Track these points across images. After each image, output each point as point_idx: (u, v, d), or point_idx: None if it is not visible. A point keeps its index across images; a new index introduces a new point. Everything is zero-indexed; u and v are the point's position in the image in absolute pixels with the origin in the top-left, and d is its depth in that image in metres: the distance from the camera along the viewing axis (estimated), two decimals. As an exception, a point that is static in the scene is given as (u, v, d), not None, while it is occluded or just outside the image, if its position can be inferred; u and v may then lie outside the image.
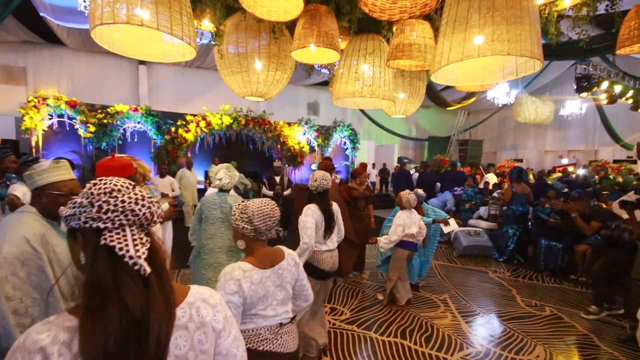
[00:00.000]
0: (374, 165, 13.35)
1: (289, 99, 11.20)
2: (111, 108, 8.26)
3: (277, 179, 5.95)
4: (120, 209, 0.63)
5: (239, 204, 1.38)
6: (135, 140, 8.77)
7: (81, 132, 7.98)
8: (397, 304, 3.66)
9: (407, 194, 3.62)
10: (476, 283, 4.50)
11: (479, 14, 2.15)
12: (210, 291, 0.80)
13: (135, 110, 8.45)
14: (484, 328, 3.28)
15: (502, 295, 4.10)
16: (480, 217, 6.94)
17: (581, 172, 9.82)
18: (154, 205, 0.68)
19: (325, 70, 7.39)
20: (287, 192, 5.87)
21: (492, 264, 5.35)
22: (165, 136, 8.66)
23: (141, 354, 0.60)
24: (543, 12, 3.19)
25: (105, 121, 8.17)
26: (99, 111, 8.16)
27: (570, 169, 12.15)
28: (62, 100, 7.55)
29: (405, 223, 3.51)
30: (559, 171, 10.52)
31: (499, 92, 10.25)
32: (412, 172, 11.12)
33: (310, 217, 2.36)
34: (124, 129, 8.61)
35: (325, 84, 10.32)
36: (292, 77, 4.02)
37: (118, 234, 0.62)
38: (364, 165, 4.88)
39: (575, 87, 9.30)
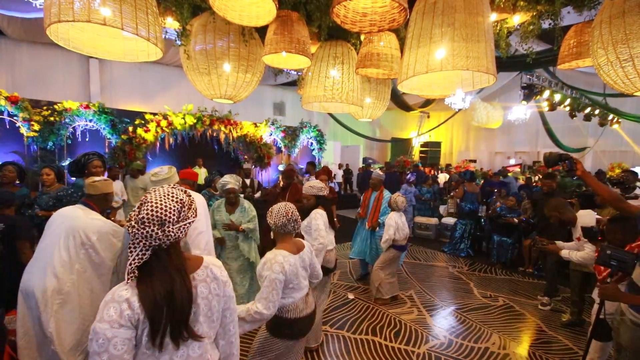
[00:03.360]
0: (340, 166, 13.58)
1: (254, 99, 11.01)
2: (59, 105, 7.58)
3: (247, 181, 5.86)
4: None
5: (270, 209, 1.81)
6: (87, 139, 8.12)
7: (24, 130, 7.24)
8: (382, 297, 3.84)
9: (397, 197, 3.84)
10: (438, 278, 4.79)
11: (441, 30, 2.32)
12: (216, 260, 1.19)
13: (87, 107, 7.84)
14: (446, 320, 3.52)
15: (461, 289, 4.41)
16: (440, 215, 7.46)
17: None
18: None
19: (293, 72, 7.40)
20: (257, 195, 5.80)
21: (451, 259, 5.72)
22: (122, 136, 8.13)
23: (175, 306, 0.95)
24: (495, 29, 3.49)
25: (52, 119, 7.47)
26: (45, 108, 7.45)
27: (517, 169, 13.27)
28: (1, 96, 6.80)
29: (398, 224, 3.72)
30: (509, 171, 11.44)
31: (455, 98, 10.93)
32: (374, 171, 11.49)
33: (320, 219, 2.70)
34: (74, 128, 7.95)
35: (292, 84, 10.31)
36: (258, 77, 3.99)
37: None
38: (324, 169, 4.97)
39: (520, 95, 10.19)
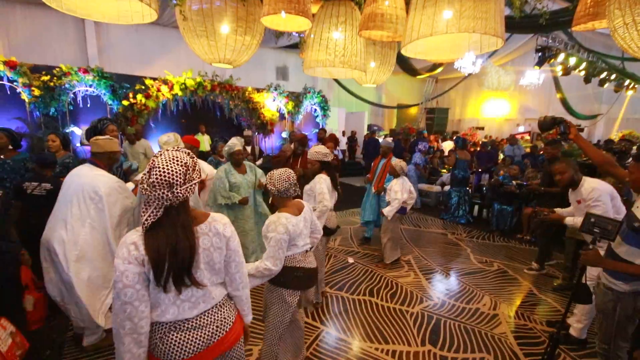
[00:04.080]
0: (343, 133, 13.43)
1: (256, 63, 10.68)
2: (57, 69, 7.45)
3: (249, 148, 5.87)
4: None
5: (268, 174, 1.91)
6: (89, 105, 8.07)
7: (25, 96, 7.20)
8: (384, 262, 4.01)
9: (398, 162, 3.90)
10: (437, 244, 4.92)
11: (448, -14, 2.18)
12: (223, 217, 1.29)
13: (85, 72, 7.70)
14: (441, 283, 3.68)
15: (458, 254, 4.54)
16: (443, 183, 7.48)
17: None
18: None
19: (295, 34, 7.10)
20: (259, 162, 5.83)
21: (451, 226, 5.83)
22: (123, 101, 8.05)
23: (177, 259, 1.09)
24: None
25: (52, 84, 7.39)
26: (44, 73, 7.34)
27: (527, 137, 13.01)
28: (-2, 60, 6.68)
29: (400, 190, 3.79)
30: (518, 139, 11.22)
31: (465, 61, 10.47)
32: (380, 139, 11.37)
33: (324, 184, 2.86)
34: (75, 93, 7.87)
35: (294, 46, 9.90)
36: (259, 40, 3.86)
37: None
38: (331, 137, 4.96)
39: (535, 58, 9.72)
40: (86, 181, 2.24)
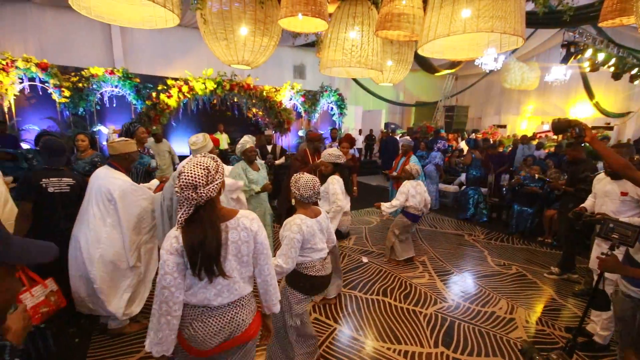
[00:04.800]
0: (360, 132, 13.37)
1: (274, 62, 10.80)
2: (85, 71, 7.80)
3: (269, 147, 5.97)
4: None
5: (294, 176, 1.99)
6: (114, 105, 8.42)
7: (55, 96, 7.58)
8: (396, 258, 4.03)
9: (414, 166, 3.91)
10: (453, 246, 4.86)
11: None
12: (251, 213, 1.43)
13: (112, 73, 8.03)
14: (457, 285, 3.64)
15: (475, 256, 4.47)
16: (461, 183, 7.34)
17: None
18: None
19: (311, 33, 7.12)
20: (279, 161, 5.92)
21: (468, 227, 5.73)
22: (146, 102, 8.34)
23: (204, 252, 1.22)
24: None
25: (80, 85, 7.75)
26: (73, 74, 7.71)
27: (552, 135, 12.53)
28: (32, 63, 7.06)
29: (410, 192, 3.78)
30: (539, 138, 10.87)
31: (487, 58, 10.20)
32: (398, 137, 11.25)
33: (337, 185, 2.91)
34: (101, 94, 8.22)
35: (312, 45, 9.93)
36: (276, 39, 3.92)
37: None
38: (347, 137, 4.97)
39: (561, 53, 9.35)
40: (102, 183, 2.35)
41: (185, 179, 1.21)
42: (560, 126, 2.17)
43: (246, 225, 1.35)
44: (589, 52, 8.99)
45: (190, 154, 2.86)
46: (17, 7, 7.90)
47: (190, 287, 1.29)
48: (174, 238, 1.24)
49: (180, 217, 1.24)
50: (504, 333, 2.79)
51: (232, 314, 1.34)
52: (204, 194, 1.22)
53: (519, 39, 2.43)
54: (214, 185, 1.25)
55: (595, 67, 9.38)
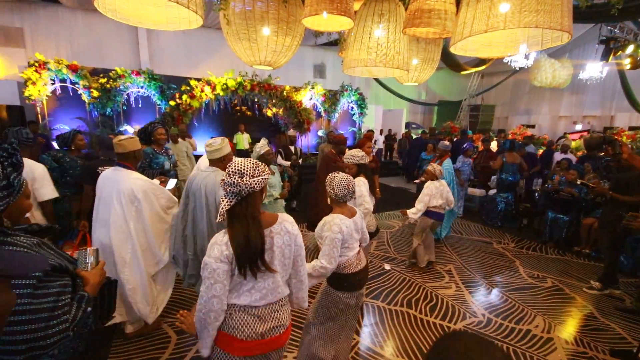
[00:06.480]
0: (381, 132, 13.12)
1: (295, 61, 10.64)
2: (113, 72, 8.04)
3: (292, 148, 5.92)
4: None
5: (329, 176, 1.99)
6: (140, 105, 8.63)
7: (85, 97, 7.85)
8: (418, 265, 3.92)
9: (437, 167, 3.82)
10: (481, 254, 4.61)
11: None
12: (289, 216, 1.46)
13: (138, 74, 8.22)
14: (486, 298, 3.42)
15: (505, 266, 4.21)
16: (488, 187, 7.01)
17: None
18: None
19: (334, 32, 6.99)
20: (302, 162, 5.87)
21: (497, 234, 5.44)
22: (170, 102, 8.50)
23: (249, 246, 1.25)
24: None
25: (108, 86, 7.99)
26: (101, 75, 7.96)
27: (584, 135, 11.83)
28: (63, 64, 7.34)
29: (432, 193, 3.70)
30: (572, 139, 10.27)
31: (517, 54, 9.74)
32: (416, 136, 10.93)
33: (363, 186, 2.87)
34: (128, 94, 8.44)
35: (332, 44, 9.80)
36: (297, 38, 3.84)
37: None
38: (368, 135, 4.83)
39: (597, 49, 8.77)
40: (125, 186, 2.33)
41: (235, 166, 1.27)
42: (593, 142, 1.98)
43: (288, 229, 1.40)
44: (630, 49, 8.38)
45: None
46: (49, 10, 8.23)
47: (234, 290, 1.33)
48: (224, 245, 1.25)
49: (222, 209, 1.27)
50: (542, 355, 2.57)
51: (275, 310, 1.40)
52: (248, 183, 1.25)
53: (564, 35, 2.23)
54: (259, 179, 1.28)
55: (636, 64, 8.74)
